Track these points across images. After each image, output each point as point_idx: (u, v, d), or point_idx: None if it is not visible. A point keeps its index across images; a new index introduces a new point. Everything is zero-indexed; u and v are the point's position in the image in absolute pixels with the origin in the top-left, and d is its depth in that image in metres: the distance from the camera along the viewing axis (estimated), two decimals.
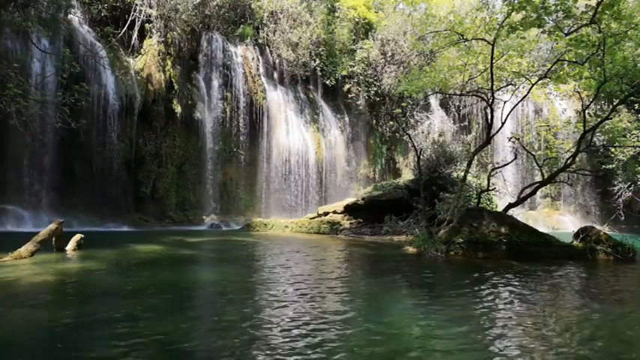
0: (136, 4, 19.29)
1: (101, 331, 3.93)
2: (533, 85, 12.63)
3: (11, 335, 3.80)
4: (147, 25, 19.78)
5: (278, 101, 23.65)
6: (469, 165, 13.11)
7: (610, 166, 17.88)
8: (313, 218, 18.41)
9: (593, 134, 12.62)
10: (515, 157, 13.99)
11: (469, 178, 14.66)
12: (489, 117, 12.87)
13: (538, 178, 14.78)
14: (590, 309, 5.15)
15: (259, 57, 23.78)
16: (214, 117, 21.55)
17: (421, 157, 14.00)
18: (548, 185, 17.32)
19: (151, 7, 19.66)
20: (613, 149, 16.35)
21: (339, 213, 18.11)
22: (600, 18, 9.67)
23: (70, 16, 16.40)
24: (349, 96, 25.91)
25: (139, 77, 19.12)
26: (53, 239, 8.48)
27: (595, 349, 3.75)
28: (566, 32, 10.48)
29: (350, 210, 17.95)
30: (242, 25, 23.90)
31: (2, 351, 3.40)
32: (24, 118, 13.13)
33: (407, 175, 24.34)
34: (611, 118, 13.70)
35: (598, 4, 9.51)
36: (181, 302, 5.17)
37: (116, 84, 18.07)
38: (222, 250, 11.14)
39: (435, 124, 24.93)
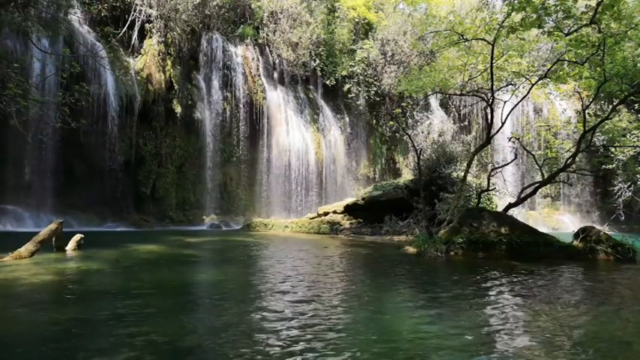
0: (136, 4, 19.30)
1: (101, 331, 3.93)
2: (533, 85, 12.63)
3: (11, 335, 3.80)
4: (147, 25, 19.80)
5: (278, 101, 23.65)
6: (469, 165, 13.11)
7: (610, 166, 17.84)
8: (313, 218, 18.43)
9: (593, 134, 12.61)
10: (515, 157, 14.00)
11: (469, 178, 14.66)
12: (489, 117, 12.87)
13: (538, 178, 14.76)
14: (590, 309, 5.14)
15: (259, 57, 23.78)
16: (214, 117, 21.56)
17: (421, 157, 13.99)
18: (548, 185, 17.31)
19: (151, 7, 19.67)
20: (613, 149, 16.32)
21: (339, 213, 18.12)
22: (600, 18, 9.67)
23: (70, 16, 16.38)
24: (349, 96, 25.90)
25: (139, 77, 19.13)
26: (53, 239, 8.48)
27: (595, 348, 3.75)
28: (566, 32, 10.47)
29: (350, 210, 17.96)
30: (242, 25, 23.90)
31: (2, 351, 3.40)
32: (24, 118, 13.14)
33: (407, 175, 24.34)
34: (611, 118, 13.70)
35: (598, 4, 9.50)
36: (181, 302, 5.17)
37: (116, 84, 18.07)
38: (222, 250, 11.14)
39: (435, 124, 24.88)
